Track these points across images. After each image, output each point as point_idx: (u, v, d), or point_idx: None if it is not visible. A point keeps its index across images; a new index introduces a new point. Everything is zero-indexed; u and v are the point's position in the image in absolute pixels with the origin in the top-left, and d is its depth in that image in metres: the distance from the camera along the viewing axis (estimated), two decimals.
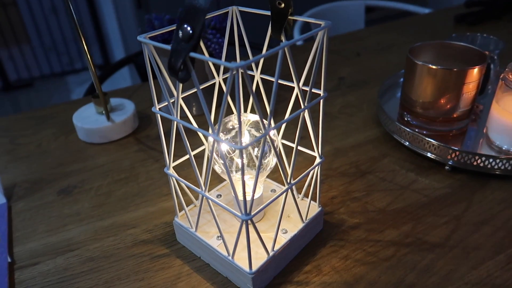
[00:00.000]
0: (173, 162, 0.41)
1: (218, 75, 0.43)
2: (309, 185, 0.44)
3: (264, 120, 0.33)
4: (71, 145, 0.66)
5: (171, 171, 0.41)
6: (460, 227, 0.46)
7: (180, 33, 0.31)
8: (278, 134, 0.43)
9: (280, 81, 0.39)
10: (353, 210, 0.49)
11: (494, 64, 0.66)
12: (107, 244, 0.47)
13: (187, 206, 0.45)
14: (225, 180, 0.49)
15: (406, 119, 0.62)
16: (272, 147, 0.35)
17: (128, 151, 0.63)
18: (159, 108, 0.37)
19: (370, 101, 0.73)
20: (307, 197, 0.45)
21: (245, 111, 0.46)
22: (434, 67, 0.54)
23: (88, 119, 0.66)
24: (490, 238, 0.44)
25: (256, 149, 0.40)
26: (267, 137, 0.33)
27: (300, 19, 0.37)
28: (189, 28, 0.30)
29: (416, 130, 0.60)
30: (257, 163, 0.40)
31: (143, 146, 0.64)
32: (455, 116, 0.58)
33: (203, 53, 0.36)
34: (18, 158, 0.63)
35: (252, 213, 0.35)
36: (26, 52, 2.95)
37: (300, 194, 0.47)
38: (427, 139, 0.55)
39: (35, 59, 2.99)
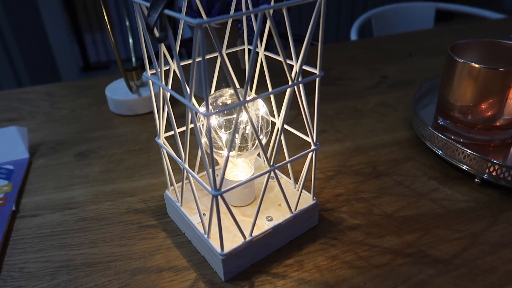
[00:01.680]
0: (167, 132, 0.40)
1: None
2: (306, 175, 0.41)
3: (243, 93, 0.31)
4: (101, 114, 0.68)
5: (162, 141, 0.40)
6: (474, 246, 0.40)
7: None
8: (279, 116, 0.41)
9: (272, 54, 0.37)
10: (356, 210, 0.45)
11: None
12: (103, 208, 0.48)
13: (179, 182, 0.44)
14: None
15: (441, 123, 0.56)
16: (250, 123, 0.32)
17: (149, 125, 0.64)
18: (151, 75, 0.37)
19: (408, 103, 0.67)
20: (300, 184, 0.42)
21: (251, 88, 0.44)
22: (476, 65, 0.48)
23: (118, 91, 0.68)
24: (508, 263, 0.38)
25: (248, 127, 0.38)
26: (242, 108, 0.31)
27: None
28: None
29: (452, 137, 0.54)
30: (249, 143, 0.39)
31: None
32: (497, 124, 0.51)
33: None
34: (52, 120, 0.67)
35: (223, 190, 0.33)
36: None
37: (298, 184, 0.44)
38: (461, 147, 0.49)
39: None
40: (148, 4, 0.32)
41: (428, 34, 0.99)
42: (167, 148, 0.40)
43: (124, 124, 0.65)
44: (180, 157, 0.37)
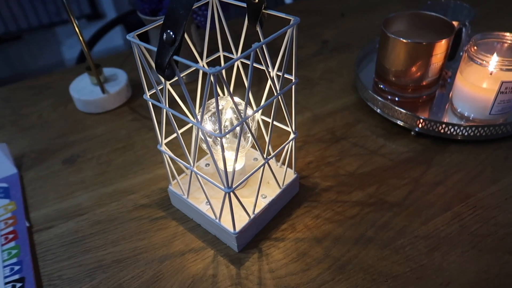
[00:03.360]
0: (165, 139, 0.47)
1: (202, 59, 0.48)
2: (286, 156, 0.50)
3: (241, 108, 0.38)
4: (70, 115, 0.71)
5: (164, 148, 0.47)
6: (417, 188, 0.53)
7: (165, 36, 0.35)
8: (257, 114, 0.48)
9: (256, 65, 0.44)
10: (326, 174, 0.56)
11: (465, 28, 0.69)
12: (111, 209, 0.54)
13: (178, 175, 0.51)
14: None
15: (380, 86, 0.67)
16: (249, 131, 0.40)
17: (124, 120, 0.68)
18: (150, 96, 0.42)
19: (350, 67, 0.77)
20: (285, 164, 0.51)
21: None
22: (404, 40, 0.58)
23: (84, 90, 0.70)
24: (441, 197, 0.51)
25: (235, 115, 0.46)
26: (244, 123, 0.38)
27: (273, 13, 0.41)
28: (171, 33, 0.34)
29: (389, 97, 0.65)
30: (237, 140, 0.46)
31: (137, 115, 0.69)
32: (424, 84, 0.63)
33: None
34: (23, 129, 0.68)
35: (234, 186, 0.41)
36: (12, 2, 2.87)
37: (279, 162, 0.53)
38: (396, 107, 0.61)
39: (21, 10, 2.91)
40: (146, 45, 0.37)
41: None
42: (170, 154, 0.46)
43: (99, 123, 0.68)
44: (186, 161, 0.44)
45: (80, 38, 0.63)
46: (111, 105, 0.70)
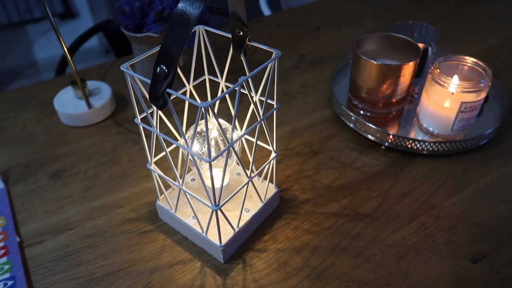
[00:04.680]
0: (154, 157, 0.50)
1: (189, 82, 0.51)
2: (267, 172, 0.53)
3: (228, 132, 0.41)
4: (54, 128, 0.72)
5: (153, 167, 0.49)
6: (386, 200, 0.58)
7: (158, 70, 0.38)
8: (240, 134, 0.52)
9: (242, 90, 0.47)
10: (304, 187, 0.60)
11: (431, 48, 0.75)
12: (100, 223, 0.56)
13: (166, 189, 0.54)
14: None
15: (353, 102, 0.71)
16: (234, 154, 0.44)
17: (109, 133, 0.70)
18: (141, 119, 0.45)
19: (325, 81, 0.81)
20: (266, 179, 0.55)
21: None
22: (375, 62, 0.63)
23: (68, 104, 0.72)
24: (408, 208, 0.57)
25: (221, 138, 0.49)
26: (231, 148, 0.42)
27: (257, 45, 0.44)
28: (165, 68, 0.37)
29: (362, 112, 0.70)
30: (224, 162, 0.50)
31: (122, 128, 0.71)
32: (394, 101, 0.68)
33: None
34: (7, 142, 0.69)
35: (220, 204, 0.45)
36: None
37: (261, 177, 0.57)
38: (367, 123, 0.66)
39: None
40: (139, 77, 0.40)
41: (328, 3, 1.13)
42: (160, 173, 0.49)
43: (84, 136, 0.70)
44: (173, 178, 0.47)
45: (69, 58, 0.65)
46: (95, 118, 0.72)
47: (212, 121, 0.49)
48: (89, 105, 0.69)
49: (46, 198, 0.60)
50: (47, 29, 2.79)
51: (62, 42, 0.63)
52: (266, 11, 1.26)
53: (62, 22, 2.90)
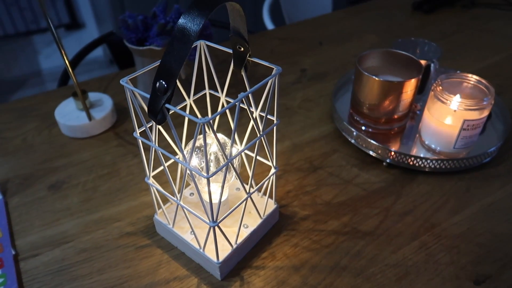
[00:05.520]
0: (152, 171, 0.49)
1: (189, 97, 0.50)
2: (267, 187, 0.53)
3: (227, 149, 0.41)
4: (55, 139, 0.72)
5: (151, 181, 0.49)
6: (388, 218, 0.57)
7: (158, 85, 0.38)
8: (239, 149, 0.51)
9: (242, 106, 0.47)
10: (304, 203, 0.59)
11: (433, 64, 0.75)
12: (97, 236, 0.55)
13: (164, 203, 0.53)
14: None
15: (355, 117, 0.71)
16: (233, 169, 0.43)
17: (109, 146, 0.70)
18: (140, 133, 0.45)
19: (327, 96, 0.81)
20: (266, 195, 0.54)
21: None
22: (377, 78, 0.63)
23: (69, 116, 0.72)
24: (409, 227, 0.56)
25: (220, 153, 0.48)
26: (229, 164, 0.41)
27: (257, 61, 0.44)
28: (164, 83, 0.37)
29: (363, 128, 0.70)
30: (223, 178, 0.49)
31: (122, 141, 0.71)
32: (396, 117, 0.68)
33: None
34: (7, 153, 0.69)
35: (218, 220, 0.44)
36: None
37: (260, 192, 0.56)
38: (369, 139, 0.65)
39: None
40: (138, 91, 0.40)
41: (331, 18, 1.13)
42: (158, 187, 0.49)
43: (83, 148, 0.70)
44: (171, 192, 0.47)
45: (70, 70, 0.65)
46: (96, 130, 0.72)
47: (212, 136, 0.48)
48: (90, 117, 0.69)
49: (43, 210, 0.59)
50: (53, 39, 2.82)
51: (63, 54, 0.63)
52: (269, 25, 1.27)
53: (68, 32, 2.93)
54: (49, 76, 2.54)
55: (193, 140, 0.38)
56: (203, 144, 0.47)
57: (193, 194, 0.57)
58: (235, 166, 0.44)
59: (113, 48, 1.21)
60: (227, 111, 0.50)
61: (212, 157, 0.48)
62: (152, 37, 0.71)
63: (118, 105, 0.78)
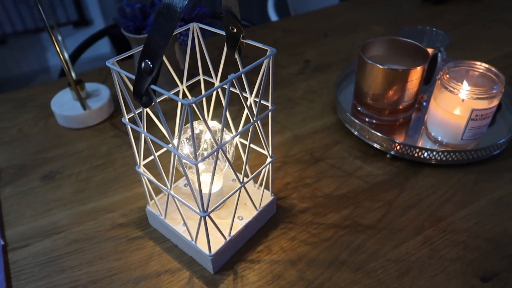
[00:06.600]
0: (143, 160, 0.47)
1: (182, 82, 0.48)
2: (263, 178, 0.51)
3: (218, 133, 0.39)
4: (51, 130, 0.70)
5: (142, 170, 0.47)
6: (390, 211, 0.54)
7: (143, 65, 0.36)
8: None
9: (234, 90, 0.45)
10: (303, 195, 0.57)
11: (441, 54, 0.72)
12: (89, 228, 0.54)
13: (157, 194, 0.51)
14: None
15: (358, 108, 0.68)
16: (225, 157, 0.41)
17: (105, 136, 0.69)
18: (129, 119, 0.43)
19: (330, 87, 0.79)
20: (262, 186, 0.52)
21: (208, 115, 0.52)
22: (381, 66, 0.60)
23: (66, 106, 0.70)
24: (413, 221, 0.53)
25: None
26: (221, 149, 0.39)
27: (251, 43, 0.42)
28: (149, 63, 0.35)
29: (367, 119, 0.67)
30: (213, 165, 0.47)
31: (119, 131, 0.69)
32: (401, 107, 0.65)
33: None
34: (2, 143, 0.68)
35: (210, 209, 0.42)
36: None
37: (257, 183, 0.54)
38: (372, 131, 0.62)
39: (6, 14, 2.88)
40: (124, 72, 0.38)
41: (337, 10, 1.10)
42: (148, 176, 0.47)
43: (79, 138, 0.68)
44: (163, 183, 0.45)
45: (60, 56, 0.63)
46: (92, 120, 0.70)
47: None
48: (84, 107, 0.68)
49: (35, 201, 0.58)
50: (61, 37, 2.83)
51: (53, 40, 0.62)
52: (273, 16, 1.24)
53: (76, 29, 2.94)
54: (57, 72, 2.54)
55: (179, 122, 0.36)
56: (199, 131, 0.45)
57: (187, 185, 0.55)
58: (228, 154, 0.42)
59: (116, 41, 1.20)
60: (221, 95, 0.48)
61: (206, 146, 0.46)
62: (150, 26, 0.70)
63: (116, 96, 0.77)
